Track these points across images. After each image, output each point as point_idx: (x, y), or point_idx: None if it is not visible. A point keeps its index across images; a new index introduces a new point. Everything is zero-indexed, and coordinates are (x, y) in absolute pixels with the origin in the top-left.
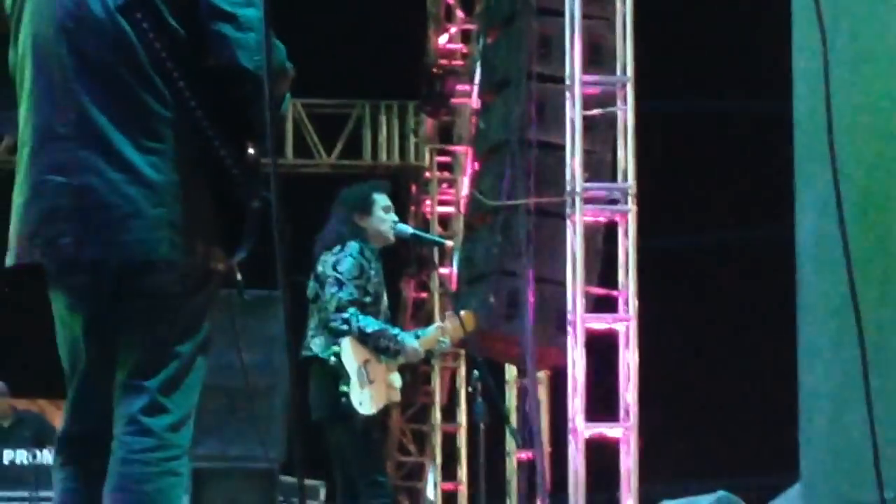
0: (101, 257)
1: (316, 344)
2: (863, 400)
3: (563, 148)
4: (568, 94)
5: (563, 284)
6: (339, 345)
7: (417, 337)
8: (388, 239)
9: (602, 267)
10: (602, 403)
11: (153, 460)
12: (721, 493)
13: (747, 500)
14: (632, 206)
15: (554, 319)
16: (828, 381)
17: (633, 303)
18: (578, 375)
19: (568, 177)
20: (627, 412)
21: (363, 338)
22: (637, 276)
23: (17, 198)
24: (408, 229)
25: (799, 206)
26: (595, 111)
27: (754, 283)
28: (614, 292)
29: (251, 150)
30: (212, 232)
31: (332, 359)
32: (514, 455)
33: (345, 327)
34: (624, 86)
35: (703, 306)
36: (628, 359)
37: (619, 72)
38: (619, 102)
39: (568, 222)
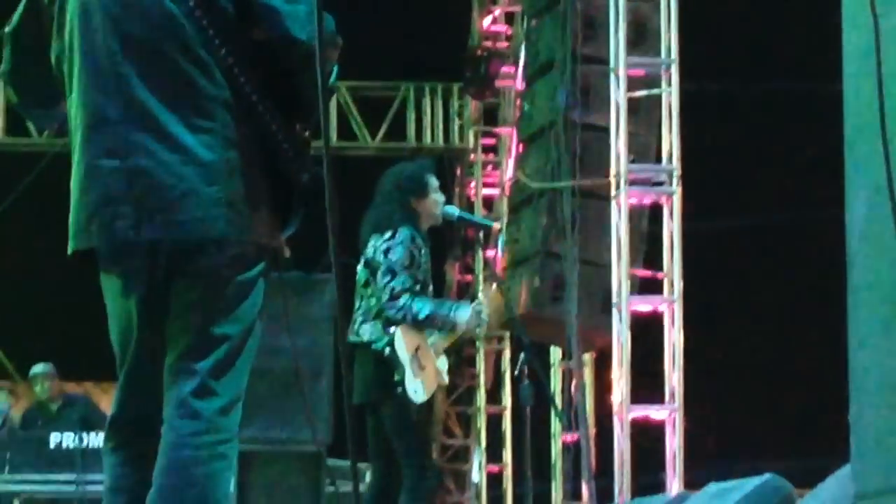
0: (158, 238)
1: (365, 330)
2: None
3: (607, 130)
4: (612, 76)
5: (607, 266)
6: (391, 334)
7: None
8: (437, 221)
9: (647, 249)
10: (647, 385)
11: (203, 444)
12: (768, 475)
13: (794, 483)
14: (676, 188)
15: (599, 301)
16: (878, 365)
17: (678, 285)
18: (624, 357)
19: (613, 159)
20: (672, 394)
21: (418, 324)
22: (682, 258)
23: (73, 184)
24: (455, 211)
25: (849, 188)
26: (640, 93)
27: (801, 266)
28: (659, 274)
29: (299, 126)
30: (265, 208)
31: (387, 349)
32: (560, 437)
33: (399, 316)
34: (669, 67)
35: (748, 288)
36: (673, 340)
37: (663, 53)
38: (663, 84)
39: (613, 204)
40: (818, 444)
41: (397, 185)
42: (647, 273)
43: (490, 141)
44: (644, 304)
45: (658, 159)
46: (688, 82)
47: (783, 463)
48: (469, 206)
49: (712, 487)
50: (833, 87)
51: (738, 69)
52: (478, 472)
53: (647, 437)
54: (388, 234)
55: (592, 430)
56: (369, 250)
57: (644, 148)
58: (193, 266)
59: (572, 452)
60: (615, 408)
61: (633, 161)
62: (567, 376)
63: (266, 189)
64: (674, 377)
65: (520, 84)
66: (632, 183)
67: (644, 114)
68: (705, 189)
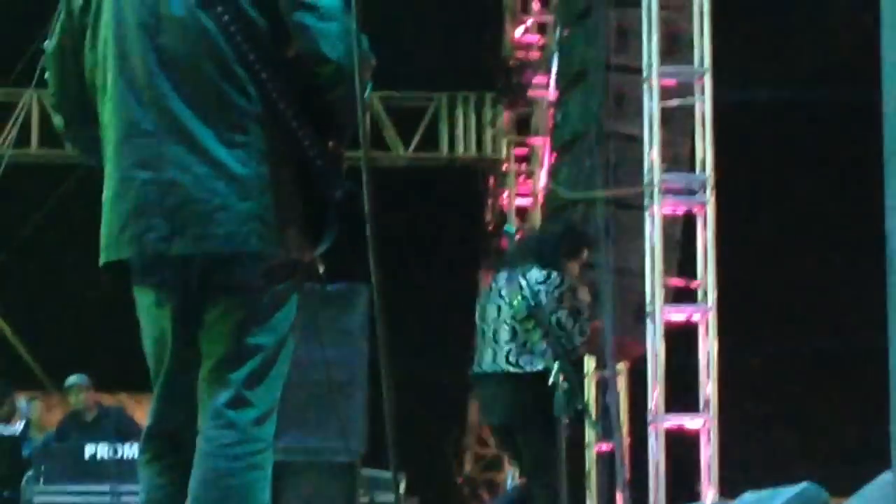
0: (191, 252)
1: (526, 361)
2: None
3: (640, 139)
4: (646, 86)
5: (641, 275)
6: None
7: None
8: None
9: (680, 258)
10: (681, 395)
11: (238, 454)
12: (805, 484)
13: (833, 493)
14: (710, 197)
15: (633, 310)
16: None
17: (712, 293)
18: (658, 366)
19: (646, 168)
20: (707, 403)
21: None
22: (716, 266)
23: (106, 195)
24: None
25: (889, 200)
26: (673, 102)
27: (835, 273)
28: (693, 283)
29: (332, 142)
30: (297, 223)
31: (558, 380)
32: (594, 447)
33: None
34: (702, 76)
35: (783, 297)
36: (708, 349)
37: (696, 62)
38: (696, 93)
39: (646, 213)
40: (853, 453)
41: (563, 235)
42: (681, 282)
43: (523, 151)
44: (678, 314)
45: (692, 168)
46: (720, 91)
47: (818, 472)
48: (502, 217)
49: (748, 497)
50: (868, 95)
51: (771, 77)
52: (511, 482)
53: (682, 447)
54: (554, 276)
55: (627, 440)
56: (533, 285)
57: (677, 157)
58: (226, 279)
59: (607, 462)
60: (649, 417)
61: (666, 170)
62: (601, 386)
63: (299, 204)
64: (708, 386)
65: (552, 94)
66: (665, 192)
67: (677, 123)
68: (739, 198)
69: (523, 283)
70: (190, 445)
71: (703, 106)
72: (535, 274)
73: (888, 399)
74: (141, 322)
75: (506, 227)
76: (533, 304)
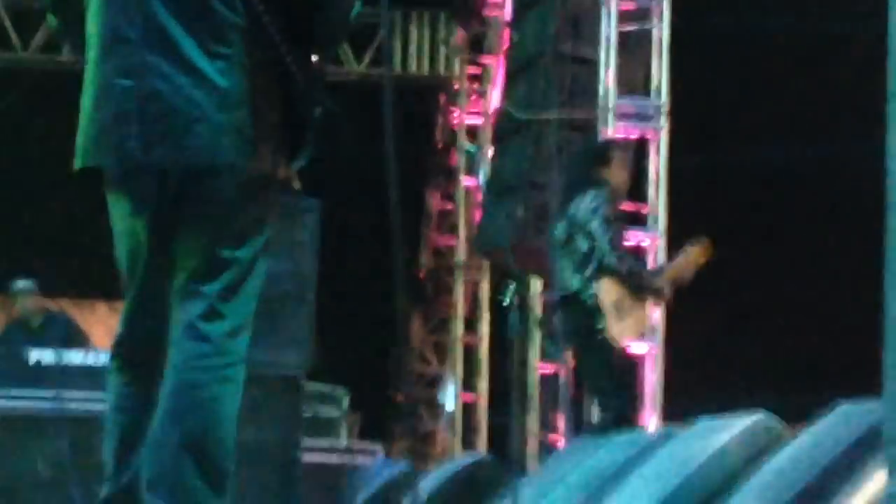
0: (168, 161)
1: (574, 283)
2: None
3: (596, 63)
4: (603, 10)
5: None
6: (595, 286)
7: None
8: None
9: (632, 183)
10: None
11: (209, 366)
12: (760, 413)
13: (787, 420)
14: (664, 123)
15: None
16: None
17: (663, 219)
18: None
19: (601, 92)
20: (653, 330)
21: (629, 276)
22: (667, 192)
23: (85, 101)
24: None
25: (892, 140)
26: (630, 27)
27: (783, 200)
28: (644, 208)
29: (315, 58)
30: (275, 138)
31: (590, 299)
32: (537, 368)
33: (619, 265)
34: (660, 2)
35: (734, 224)
36: None
37: None
38: (654, 19)
39: (598, 136)
40: (809, 380)
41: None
42: (632, 207)
43: (475, 70)
44: (628, 238)
45: (646, 93)
46: (678, 17)
47: (773, 398)
48: (452, 135)
49: (701, 424)
50: (827, 26)
51: (729, 5)
52: (452, 401)
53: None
54: (592, 192)
55: (570, 363)
56: (571, 209)
57: (632, 82)
58: (202, 190)
59: (550, 383)
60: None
61: (621, 95)
62: (548, 307)
63: (278, 119)
64: (654, 313)
65: (507, 13)
66: (619, 116)
67: (633, 48)
68: (693, 124)
69: (571, 210)
70: (161, 356)
71: (660, 32)
72: (582, 197)
73: (833, 327)
74: (115, 230)
75: (467, 148)
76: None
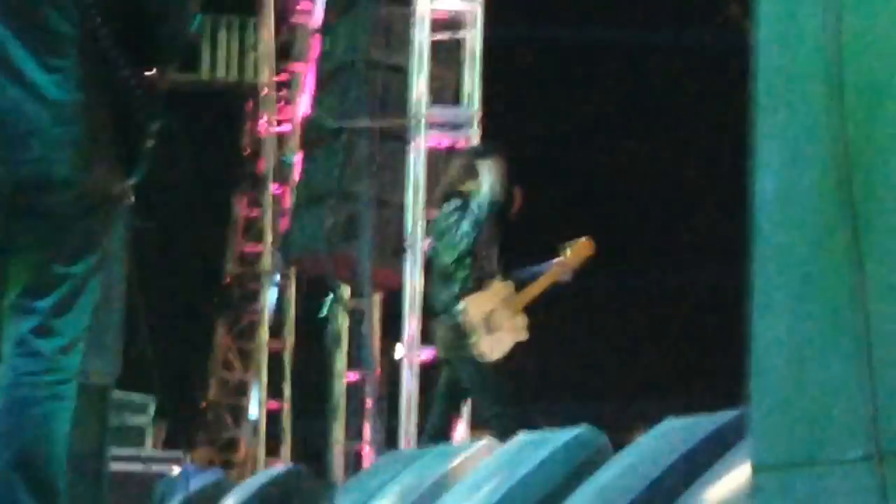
0: (1, 176)
1: (444, 297)
2: (822, 359)
3: (407, 71)
4: (415, 18)
5: (403, 208)
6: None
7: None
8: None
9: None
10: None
11: (42, 383)
12: (582, 427)
13: (619, 424)
14: (475, 132)
15: (392, 242)
16: (787, 338)
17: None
18: (416, 299)
19: (412, 100)
20: None
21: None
22: None
23: None
24: None
25: (760, 157)
26: (442, 35)
27: (606, 204)
28: None
29: (154, 72)
30: (111, 153)
31: (458, 315)
32: (344, 376)
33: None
34: (472, 10)
35: (548, 228)
36: None
37: None
38: (466, 28)
39: (411, 146)
40: (627, 390)
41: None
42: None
43: (284, 77)
44: None
45: (458, 102)
46: (492, 26)
47: (597, 404)
48: (258, 142)
49: (521, 438)
50: (634, 35)
51: (541, 14)
52: (256, 408)
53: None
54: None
55: (377, 371)
56: (439, 223)
57: (444, 91)
58: (35, 205)
59: (356, 391)
60: (404, 348)
61: (432, 103)
62: (356, 315)
63: (113, 134)
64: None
65: (316, 21)
66: (431, 125)
67: (445, 56)
68: (504, 132)
69: (438, 224)
70: None
71: (472, 41)
72: (446, 213)
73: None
74: None
75: (284, 158)
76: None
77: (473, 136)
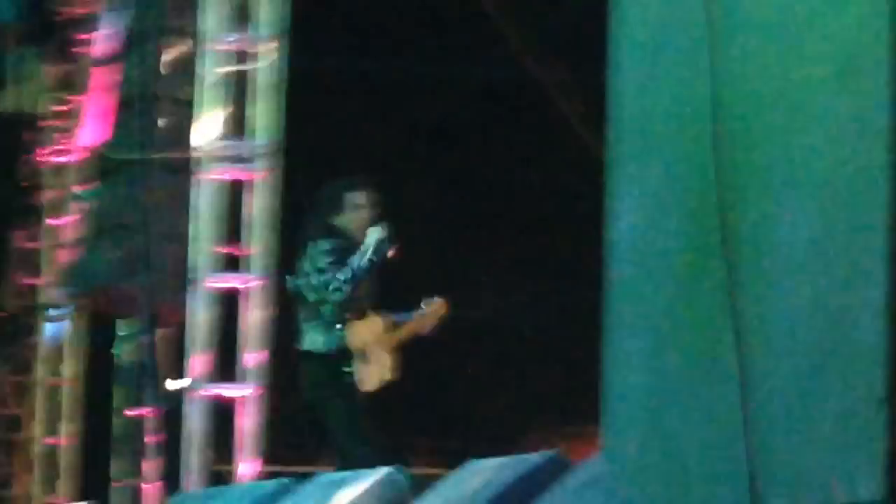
0: None
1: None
2: (680, 407)
3: (195, 104)
4: (203, 50)
5: (189, 241)
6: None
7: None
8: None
9: (232, 225)
10: (230, 364)
11: None
12: (389, 468)
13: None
14: (263, 165)
15: (178, 276)
16: (642, 389)
17: (262, 262)
18: (201, 334)
19: (199, 133)
20: (249, 373)
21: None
22: (268, 235)
23: None
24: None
25: (615, 204)
26: (231, 68)
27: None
28: (242, 251)
29: None
30: None
31: (337, 342)
32: (126, 412)
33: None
34: (263, 43)
35: None
36: (253, 319)
37: (260, 29)
38: (256, 60)
39: (196, 179)
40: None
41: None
42: (231, 249)
43: (64, 108)
44: (226, 282)
45: (245, 135)
46: (282, 58)
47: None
48: (37, 174)
49: (323, 478)
50: (434, 68)
51: (334, 47)
52: (34, 445)
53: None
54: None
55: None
56: (304, 262)
57: (230, 122)
58: None
59: (140, 427)
60: (189, 385)
61: (219, 137)
62: (142, 350)
63: None
64: (251, 356)
65: (99, 52)
66: (218, 159)
67: (231, 90)
68: (294, 166)
69: (305, 263)
70: None
71: (264, 73)
72: (313, 251)
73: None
74: None
75: (82, 194)
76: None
77: (264, 170)
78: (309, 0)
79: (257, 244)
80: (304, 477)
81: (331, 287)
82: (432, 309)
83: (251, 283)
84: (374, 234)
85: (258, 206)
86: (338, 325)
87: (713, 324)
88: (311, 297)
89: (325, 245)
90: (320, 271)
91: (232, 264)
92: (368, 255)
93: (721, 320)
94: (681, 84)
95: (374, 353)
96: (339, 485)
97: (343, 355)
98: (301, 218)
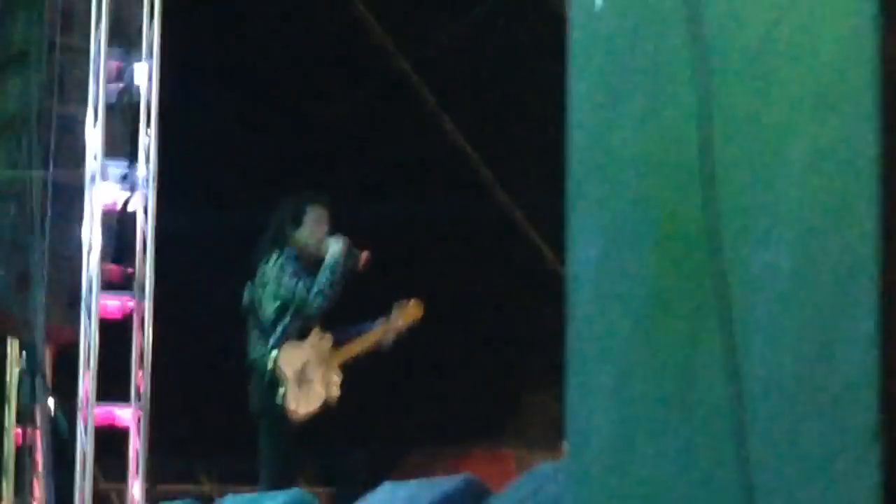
0: None
1: (257, 349)
2: (648, 439)
3: (83, 122)
4: (91, 69)
5: (77, 261)
6: (276, 350)
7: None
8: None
9: (120, 245)
10: (117, 385)
11: None
12: (294, 490)
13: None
14: (152, 186)
15: (66, 296)
16: (607, 422)
17: (150, 283)
18: (91, 356)
19: (88, 153)
20: (138, 395)
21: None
22: (154, 256)
23: None
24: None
25: (574, 233)
26: (118, 87)
27: None
28: (130, 271)
29: None
30: None
31: (269, 367)
32: (12, 433)
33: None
34: (149, 64)
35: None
36: (141, 340)
37: (144, 50)
38: (143, 81)
39: (85, 198)
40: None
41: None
42: (119, 269)
43: None
44: (114, 302)
45: (134, 156)
46: (170, 81)
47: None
48: None
49: (228, 501)
50: (321, 88)
51: (220, 68)
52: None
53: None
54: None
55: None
56: (258, 275)
57: (121, 143)
58: None
59: (27, 449)
60: (79, 406)
61: (107, 156)
62: (27, 371)
63: None
64: (140, 377)
65: None
66: (106, 179)
67: (121, 109)
68: (181, 187)
69: (258, 275)
70: None
71: (150, 94)
72: (266, 264)
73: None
74: None
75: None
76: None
77: (149, 192)
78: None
79: (146, 265)
80: (194, 497)
81: (313, 291)
82: (404, 312)
83: (140, 304)
84: (336, 245)
85: (147, 227)
86: (271, 347)
87: (681, 353)
88: (271, 307)
89: (290, 253)
90: (295, 275)
91: (121, 285)
92: (340, 263)
93: (689, 350)
94: (649, 114)
95: (310, 373)
96: None
97: (275, 379)
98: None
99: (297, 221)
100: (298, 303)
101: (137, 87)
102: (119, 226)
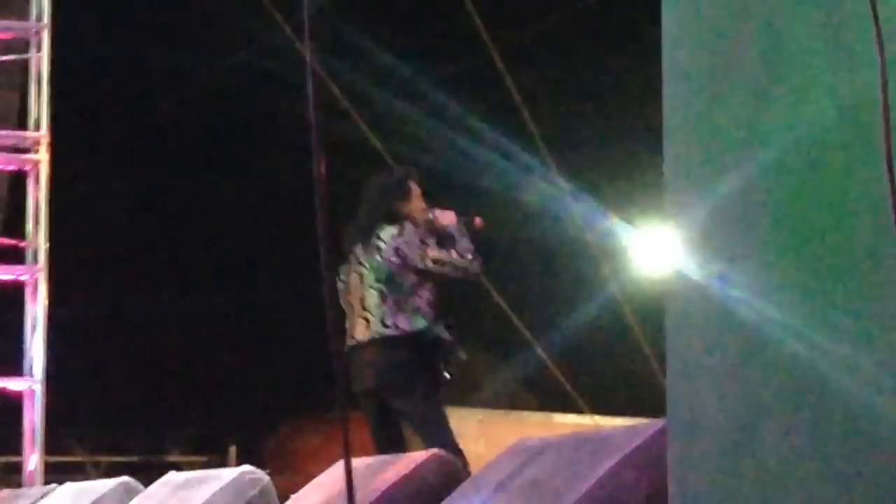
0: None
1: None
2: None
3: None
4: None
5: None
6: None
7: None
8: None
9: (10, 216)
10: (10, 358)
11: None
12: (124, 478)
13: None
14: (44, 155)
15: None
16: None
17: (43, 254)
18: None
19: None
20: (32, 367)
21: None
22: (48, 226)
23: None
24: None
25: (673, 210)
26: (7, 57)
27: (178, 231)
28: (22, 243)
29: None
30: None
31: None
32: None
33: None
34: (39, 32)
35: (120, 256)
36: (35, 312)
37: (34, 17)
38: (33, 49)
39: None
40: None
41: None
42: (10, 241)
43: None
44: (5, 274)
45: (23, 125)
46: (60, 47)
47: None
48: None
49: (69, 489)
50: (210, 58)
51: (111, 36)
52: None
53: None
54: (407, 225)
55: None
56: (390, 242)
57: (8, 112)
58: None
59: None
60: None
61: None
62: None
63: None
64: (34, 349)
65: None
66: None
67: (9, 78)
68: (74, 155)
69: (380, 244)
70: None
71: (40, 62)
72: (388, 231)
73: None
74: None
75: None
76: (397, 260)
77: (41, 160)
78: None
79: (39, 235)
80: (85, 466)
81: (468, 258)
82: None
83: (34, 274)
84: (450, 213)
85: (39, 197)
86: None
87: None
88: (410, 279)
89: (411, 227)
90: (440, 244)
91: (13, 255)
92: (465, 234)
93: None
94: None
95: None
96: (192, 484)
97: (442, 343)
98: None
99: (404, 196)
100: (462, 270)
101: (28, 54)
102: (9, 195)
